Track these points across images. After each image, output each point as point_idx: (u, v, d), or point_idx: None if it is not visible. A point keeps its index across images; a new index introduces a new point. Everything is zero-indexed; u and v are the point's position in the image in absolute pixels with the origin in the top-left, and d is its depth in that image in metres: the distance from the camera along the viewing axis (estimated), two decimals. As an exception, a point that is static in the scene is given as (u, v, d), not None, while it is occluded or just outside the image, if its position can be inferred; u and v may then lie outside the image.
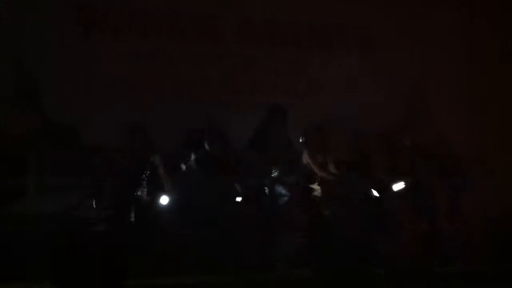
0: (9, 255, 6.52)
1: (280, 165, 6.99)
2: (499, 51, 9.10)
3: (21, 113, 7.56)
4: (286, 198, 7.02)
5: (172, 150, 7.32)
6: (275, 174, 6.96)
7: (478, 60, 9.15)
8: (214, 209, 6.84)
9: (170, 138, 7.46)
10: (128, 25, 8.23)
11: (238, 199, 7.03)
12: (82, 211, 6.49)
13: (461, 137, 8.90)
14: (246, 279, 6.29)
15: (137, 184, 6.74)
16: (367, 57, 8.97)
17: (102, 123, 7.43)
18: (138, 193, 6.72)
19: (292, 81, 8.78)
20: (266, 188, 6.94)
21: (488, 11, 9.26)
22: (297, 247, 6.95)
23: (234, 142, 7.30)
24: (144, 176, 6.78)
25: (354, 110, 8.36)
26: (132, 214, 6.61)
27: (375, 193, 7.13)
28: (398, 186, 7.44)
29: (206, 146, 7.01)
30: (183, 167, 7.02)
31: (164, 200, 6.77)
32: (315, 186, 7.14)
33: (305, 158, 7.21)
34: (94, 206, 6.55)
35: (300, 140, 7.22)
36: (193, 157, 6.97)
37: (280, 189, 7.00)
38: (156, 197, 6.79)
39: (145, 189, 6.77)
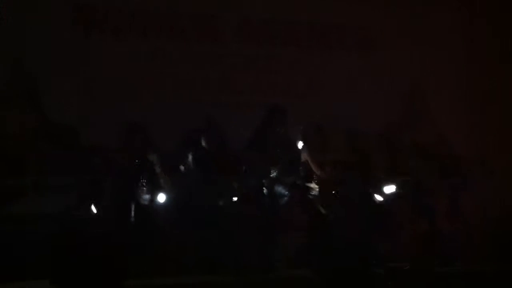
0: (9, 255, 6.52)
1: (280, 165, 6.98)
2: (499, 51, 9.10)
3: (21, 113, 7.56)
4: (286, 198, 7.01)
5: (171, 150, 7.31)
6: (275, 174, 6.96)
7: (478, 60, 9.15)
8: (213, 209, 6.84)
9: (170, 138, 7.45)
10: (128, 25, 8.24)
11: (238, 199, 7.03)
12: (82, 211, 6.48)
13: (461, 137, 8.90)
14: (246, 279, 6.28)
15: (137, 184, 6.74)
16: (367, 57, 8.97)
17: (102, 123, 7.43)
18: (138, 193, 6.72)
19: (292, 81, 8.78)
20: (266, 188, 6.94)
21: (488, 11, 9.26)
22: (297, 247, 6.95)
23: (234, 142, 7.30)
24: (143, 176, 6.78)
25: (354, 110, 8.36)
26: (132, 214, 6.61)
27: (375, 193, 7.12)
28: (390, 188, 7.44)
29: (205, 145, 6.99)
30: (182, 167, 7.00)
31: (162, 198, 6.77)
32: (315, 186, 7.14)
33: (305, 158, 7.20)
34: (94, 206, 6.54)
35: (300, 140, 7.21)
36: (192, 156, 6.96)
37: (280, 189, 6.99)
38: (155, 197, 6.80)
39: (145, 189, 6.77)
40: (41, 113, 7.64)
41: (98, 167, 7.04)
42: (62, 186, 7.11)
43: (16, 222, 6.92)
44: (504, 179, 8.48)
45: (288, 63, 8.79)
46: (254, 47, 8.68)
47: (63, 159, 7.40)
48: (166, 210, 6.95)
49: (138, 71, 8.05)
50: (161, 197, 6.81)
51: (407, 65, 8.92)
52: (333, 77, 8.77)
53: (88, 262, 5.28)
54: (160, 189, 6.82)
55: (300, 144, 7.26)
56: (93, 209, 6.44)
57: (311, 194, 7.13)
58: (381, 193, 7.29)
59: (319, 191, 7.11)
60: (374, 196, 7.18)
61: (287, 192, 7.02)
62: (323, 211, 6.95)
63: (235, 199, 6.98)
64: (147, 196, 6.78)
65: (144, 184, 6.79)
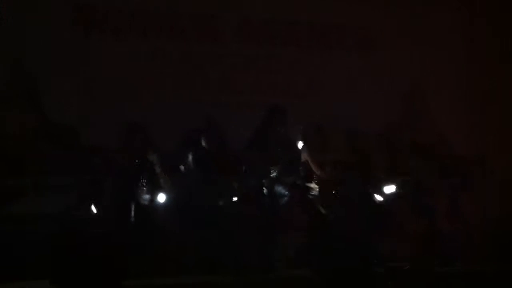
0: (9, 255, 6.53)
1: (280, 165, 6.98)
2: (499, 51, 9.10)
3: (21, 113, 7.56)
4: (286, 198, 7.01)
5: (171, 150, 7.31)
6: (275, 174, 6.95)
7: (478, 60, 9.15)
8: (213, 209, 6.84)
9: (170, 138, 7.45)
10: (128, 25, 8.23)
11: (238, 199, 7.03)
12: (82, 211, 6.48)
13: (461, 137, 8.91)
14: (246, 279, 6.28)
15: (137, 184, 6.74)
16: (367, 57, 8.97)
17: (102, 123, 7.43)
18: (138, 193, 6.72)
19: (292, 81, 8.78)
20: (266, 188, 6.93)
21: (488, 11, 9.26)
22: (297, 247, 6.95)
23: (234, 142, 7.30)
24: (143, 176, 6.78)
25: (354, 110, 8.36)
26: (132, 214, 6.61)
27: (375, 193, 7.12)
28: (390, 188, 7.44)
29: (205, 145, 6.99)
30: (182, 167, 7.00)
31: (162, 198, 6.77)
32: (315, 186, 7.14)
33: (305, 158, 7.20)
34: (94, 206, 6.54)
35: (300, 140, 7.21)
36: (192, 156, 6.96)
37: (280, 189, 6.99)
38: (155, 197, 6.80)
39: (145, 189, 6.77)
40: (41, 113, 7.64)
41: (98, 167, 7.04)
42: (62, 186, 7.11)
43: (16, 222, 6.92)
44: (504, 179, 8.48)
45: (288, 63, 8.79)
46: (254, 47, 8.68)
47: (63, 159, 7.40)
48: (166, 210, 6.95)
49: (138, 71, 8.05)
50: (161, 197, 6.81)
51: (407, 65, 8.92)
52: (333, 77, 8.77)
53: (88, 262, 5.27)
54: (160, 189, 6.82)
55: (300, 144, 7.26)
56: (93, 209, 6.44)
57: (311, 194, 7.13)
58: (381, 193, 7.29)
59: (319, 191, 7.11)
60: (374, 196, 7.18)
61: (287, 192, 7.02)
62: (323, 211, 6.95)
63: (235, 199, 6.98)
64: (147, 196, 6.78)
65: (144, 184, 6.79)
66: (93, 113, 7.58)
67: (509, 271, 6.36)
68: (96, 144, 7.38)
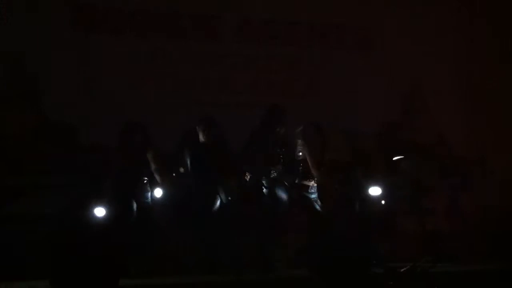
0: (9, 255, 6.53)
1: (280, 165, 6.98)
2: (499, 51, 9.10)
3: (21, 113, 7.56)
4: (286, 198, 7.01)
5: (171, 150, 7.31)
6: (275, 174, 6.95)
7: (478, 60, 9.14)
8: (213, 209, 6.84)
9: (170, 138, 7.45)
10: (128, 25, 8.24)
11: (238, 199, 7.03)
12: (82, 211, 6.48)
13: (461, 137, 8.91)
14: (246, 279, 6.28)
15: (137, 184, 6.74)
16: (367, 57, 8.97)
17: (102, 123, 7.43)
18: (138, 192, 6.72)
19: (292, 81, 8.77)
20: (266, 188, 6.93)
21: (488, 11, 9.26)
22: (297, 247, 6.95)
23: (234, 142, 7.30)
24: (143, 175, 6.78)
25: (354, 110, 8.36)
26: (132, 214, 6.61)
27: (373, 192, 7.11)
28: (390, 188, 7.44)
29: (202, 137, 6.97)
30: (182, 167, 7.00)
31: (161, 198, 6.77)
32: (314, 186, 7.13)
33: (304, 158, 7.20)
34: (94, 206, 6.54)
35: (300, 140, 7.21)
36: (192, 156, 6.94)
37: (280, 189, 6.99)
38: (155, 197, 6.80)
39: (145, 189, 6.77)
40: (41, 113, 7.64)
41: (98, 166, 7.04)
42: (62, 186, 7.12)
43: (16, 222, 6.93)
44: (504, 179, 8.48)
45: (288, 63, 8.79)
46: (254, 47, 8.68)
47: (63, 159, 7.40)
48: (166, 210, 6.96)
49: (138, 71, 8.05)
50: (161, 197, 6.81)
51: (407, 65, 8.92)
52: (333, 77, 8.76)
53: (88, 262, 5.27)
54: (160, 189, 6.82)
55: (300, 144, 7.25)
56: (93, 209, 6.43)
57: (310, 194, 7.12)
58: (381, 193, 7.29)
59: (319, 191, 7.10)
60: (374, 196, 7.17)
61: (287, 192, 7.02)
62: (322, 211, 6.95)
63: (234, 199, 6.98)
64: (147, 196, 6.78)
65: (144, 184, 6.79)
66: (93, 113, 7.57)
67: (509, 271, 6.36)
68: (96, 144, 7.38)
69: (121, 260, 5.58)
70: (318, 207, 6.94)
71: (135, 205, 6.66)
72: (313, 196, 7.02)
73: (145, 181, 6.78)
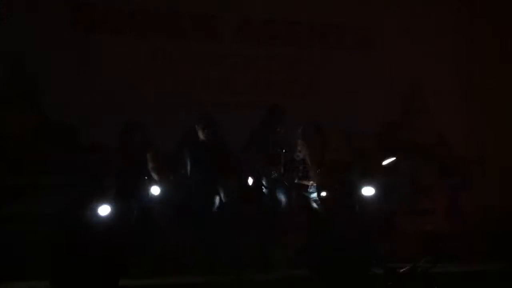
0: (9, 255, 6.53)
1: (280, 165, 6.98)
2: (499, 51, 9.10)
3: (21, 113, 7.56)
4: (285, 198, 7.01)
5: (171, 150, 7.31)
6: (275, 174, 6.95)
7: (478, 60, 9.14)
8: (213, 209, 6.84)
9: (170, 138, 7.45)
10: (128, 25, 8.23)
11: (238, 199, 7.03)
12: (82, 211, 6.48)
13: (461, 137, 8.91)
14: (246, 279, 6.28)
15: (137, 184, 6.74)
16: (367, 57, 8.97)
17: (102, 123, 7.43)
18: (138, 192, 6.72)
19: (292, 81, 8.77)
20: (266, 188, 6.93)
21: (488, 11, 9.25)
22: (297, 247, 6.95)
23: (234, 142, 7.30)
24: (143, 175, 6.79)
25: (354, 110, 8.36)
26: (132, 214, 6.61)
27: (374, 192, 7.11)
28: (389, 188, 7.44)
29: (201, 136, 6.97)
30: (182, 167, 6.99)
31: (161, 198, 6.77)
32: (314, 186, 7.13)
33: (304, 158, 7.20)
34: (96, 205, 6.54)
35: (300, 140, 7.21)
36: (192, 156, 6.94)
37: (280, 189, 6.99)
38: (155, 197, 6.80)
39: (145, 189, 6.77)
40: (41, 113, 7.64)
41: (98, 167, 7.04)
42: (62, 186, 7.12)
43: (16, 222, 6.93)
44: (504, 178, 8.48)
45: (288, 63, 8.79)
46: (254, 47, 8.68)
47: (63, 159, 7.40)
48: (166, 210, 6.96)
49: (138, 71, 8.05)
50: (158, 195, 6.81)
51: (407, 65, 8.91)
52: (333, 77, 8.76)
53: (88, 262, 5.27)
54: (159, 189, 6.82)
55: (300, 144, 7.25)
56: (97, 207, 6.43)
57: (310, 194, 7.12)
58: (375, 192, 7.29)
59: (319, 191, 7.10)
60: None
61: (287, 192, 7.02)
62: (322, 211, 6.95)
63: (234, 199, 6.98)
64: (147, 196, 6.78)
65: (144, 184, 6.79)
66: (93, 113, 7.57)
67: (509, 271, 6.36)
68: (96, 144, 7.38)
69: (121, 260, 5.58)
70: (318, 207, 6.95)
71: (135, 205, 6.66)
72: (312, 196, 7.03)
73: (145, 181, 6.79)
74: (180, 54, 8.39)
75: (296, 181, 7.10)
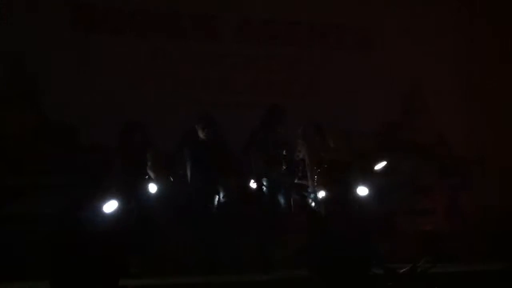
0: (9, 255, 6.53)
1: (280, 165, 6.98)
2: (499, 51, 9.10)
3: (21, 113, 7.56)
4: (285, 198, 7.00)
5: (171, 150, 7.30)
6: (275, 174, 6.95)
7: (478, 60, 9.14)
8: (213, 209, 6.84)
9: (170, 138, 7.45)
10: (128, 25, 8.24)
11: (238, 199, 7.04)
12: (81, 210, 6.48)
13: (461, 137, 8.91)
14: (246, 279, 6.28)
15: (136, 184, 6.74)
16: (367, 57, 8.97)
17: (102, 123, 7.43)
18: (138, 192, 6.72)
19: (292, 81, 8.78)
20: (266, 188, 6.93)
21: (488, 11, 9.26)
22: (297, 247, 6.94)
23: (234, 142, 7.30)
24: (143, 175, 6.79)
25: (354, 110, 8.36)
26: (132, 214, 6.61)
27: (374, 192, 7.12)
28: (389, 188, 7.44)
29: (201, 135, 6.96)
30: (182, 167, 6.99)
31: (161, 198, 6.78)
32: (314, 186, 7.14)
33: (304, 157, 7.20)
34: (94, 206, 6.54)
35: (300, 140, 7.21)
36: (192, 156, 6.94)
37: (280, 189, 6.98)
38: (155, 197, 6.80)
39: (145, 189, 6.77)
40: (41, 113, 7.64)
41: (98, 167, 7.04)
42: (62, 186, 7.12)
43: (16, 222, 6.93)
44: (504, 178, 8.48)
45: (288, 63, 8.80)
46: (254, 47, 8.68)
47: (63, 159, 7.40)
48: (166, 210, 6.96)
49: (138, 71, 8.06)
50: (159, 196, 6.81)
51: (407, 65, 8.91)
52: (333, 77, 8.76)
53: (88, 262, 5.27)
54: (159, 189, 6.82)
55: (300, 144, 7.26)
56: (93, 208, 6.43)
57: (310, 194, 7.12)
58: (381, 192, 7.29)
59: (319, 190, 7.11)
60: (373, 196, 7.18)
61: (287, 192, 7.01)
62: (322, 211, 6.95)
63: (234, 198, 6.98)
64: (147, 196, 6.78)
65: (143, 183, 6.79)
66: (93, 113, 7.57)
67: (509, 271, 6.36)
68: (96, 144, 7.38)
69: (121, 260, 5.57)
70: (318, 207, 6.94)
71: (135, 205, 6.66)
72: (312, 196, 7.03)
73: (144, 181, 6.79)
74: (180, 54, 8.39)
75: (296, 181, 7.10)
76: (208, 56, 8.46)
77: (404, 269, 6.00)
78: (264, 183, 6.90)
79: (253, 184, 6.92)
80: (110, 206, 6.41)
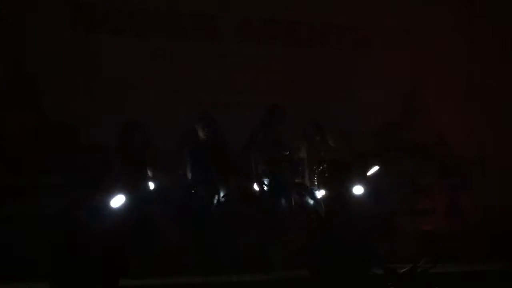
0: (9, 255, 6.53)
1: (280, 165, 6.98)
2: (499, 51, 9.09)
3: (21, 113, 7.56)
4: (285, 198, 7.00)
5: (171, 150, 7.31)
6: (275, 174, 6.94)
7: (478, 60, 9.14)
8: (213, 209, 6.84)
9: (170, 138, 7.45)
10: (128, 25, 8.24)
11: (238, 199, 7.04)
12: (81, 210, 6.48)
13: (460, 137, 8.90)
14: (246, 279, 6.28)
15: (136, 184, 6.74)
16: (367, 57, 8.96)
17: (102, 123, 7.43)
18: (138, 192, 6.72)
19: (292, 81, 8.77)
20: (266, 187, 6.93)
21: (488, 11, 9.25)
22: (297, 247, 6.94)
23: (234, 142, 7.30)
24: (143, 175, 6.79)
25: (354, 110, 8.35)
26: (132, 214, 6.61)
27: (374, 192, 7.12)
28: (389, 188, 7.44)
29: (201, 135, 6.96)
30: (182, 167, 6.99)
31: (161, 198, 6.78)
32: (314, 186, 7.14)
33: (304, 157, 7.21)
34: (93, 206, 6.54)
35: (300, 140, 7.22)
36: (192, 156, 6.94)
37: (280, 189, 6.98)
38: (154, 197, 6.80)
39: (144, 189, 6.77)
40: (41, 113, 7.64)
41: (98, 167, 7.04)
42: (62, 186, 7.12)
43: (16, 222, 6.93)
44: (504, 178, 8.48)
45: (288, 63, 8.79)
46: (254, 47, 8.68)
47: (63, 159, 7.40)
48: (166, 210, 6.96)
49: (138, 71, 8.05)
50: (160, 197, 6.81)
51: (407, 65, 8.91)
52: (333, 77, 8.76)
53: (88, 262, 5.27)
54: (159, 188, 6.82)
55: (299, 144, 7.26)
56: (93, 208, 6.43)
57: (310, 194, 7.12)
58: (381, 192, 7.29)
59: (319, 190, 7.11)
60: (373, 195, 7.18)
61: (287, 192, 7.01)
62: (322, 211, 6.95)
63: (235, 199, 6.98)
64: (146, 196, 6.78)
65: (143, 183, 6.80)
66: (93, 113, 7.57)
67: (509, 271, 6.36)
68: (96, 144, 7.38)
69: (121, 260, 5.58)
70: (317, 207, 6.94)
71: (135, 205, 6.65)
72: (312, 196, 7.03)
73: (144, 181, 6.79)
74: (180, 54, 8.39)
75: (296, 181, 7.10)
76: (208, 56, 8.46)
77: (404, 269, 6.01)
78: (265, 183, 6.90)
79: (256, 186, 6.91)
80: (118, 201, 6.43)
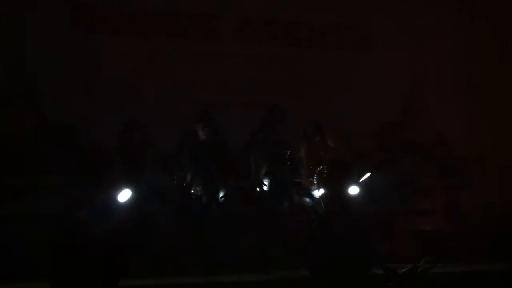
0: (9, 255, 6.53)
1: (280, 165, 6.98)
2: (499, 51, 9.10)
3: (21, 113, 7.56)
4: (285, 198, 7.00)
5: (171, 150, 7.30)
6: (275, 174, 6.94)
7: (478, 60, 9.14)
8: (214, 209, 6.84)
9: (170, 138, 7.45)
10: (128, 25, 8.24)
11: (238, 199, 7.04)
12: (81, 210, 6.48)
13: (460, 137, 8.90)
14: (246, 279, 6.28)
15: (136, 183, 6.74)
16: (367, 57, 8.96)
17: (102, 123, 7.43)
18: (138, 192, 6.72)
19: (292, 81, 8.77)
20: (265, 187, 6.93)
21: (488, 11, 9.25)
22: (297, 247, 6.94)
23: (234, 142, 7.30)
24: (143, 175, 6.79)
25: (354, 110, 8.35)
26: (132, 214, 6.61)
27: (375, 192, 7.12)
28: (389, 188, 7.44)
29: (201, 135, 6.96)
30: (182, 167, 6.99)
31: (161, 198, 6.78)
32: (314, 186, 7.14)
33: (304, 157, 7.21)
34: (93, 206, 6.55)
35: (300, 140, 7.22)
36: (192, 156, 6.94)
37: (280, 189, 6.98)
38: (154, 197, 6.80)
39: (144, 188, 6.77)
40: (41, 113, 7.64)
41: (98, 167, 7.04)
42: (62, 186, 7.12)
43: (16, 222, 6.93)
44: (504, 178, 8.48)
45: (288, 63, 8.79)
46: (254, 47, 8.68)
47: (63, 159, 7.40)
48: (166, 210, 6.96)
49: (138, 71, 8.06)
50: (160, 197, 6.81)
51: (407, 65, 8.91)
52: (333, 77, 8.76)
53: (88, 262, 5.27)
54: (159, 188, 6.82)
55: (299, 144, 7.26)
56: (93, 208, 6.44)
57: (310, 194, 7.12)
58: (381, 192, 7.29)
59: (319, 190, 7.11)
60: (373, 195, 7.18)
61: (287, 192, 7.01)
62: (322, 211, 6.95)
63: (235, 199, 6.98)
64: (146, 196, 6.78)
65: (143, 183, 6.80)
66: (93, 113, 7.57)
67: (509, 271, 6.36)
68: (96, 144, 7.38)
69: (121, 260, 5.58)
70: (317, 207, 6.95)
71: (135, 205, 6.66)
72: (312, 196, 7.03)
73: (144, 181, 6.80)
74: (180, 54, 8.39)
75: (296, 181, 7.10)
76: (208, 56, 8.46)
77: (404, 269, 6.01)
78: (266, 183, 6.90)
79: (258, 187, 6.91)
80: (124, 195, 6.43)
